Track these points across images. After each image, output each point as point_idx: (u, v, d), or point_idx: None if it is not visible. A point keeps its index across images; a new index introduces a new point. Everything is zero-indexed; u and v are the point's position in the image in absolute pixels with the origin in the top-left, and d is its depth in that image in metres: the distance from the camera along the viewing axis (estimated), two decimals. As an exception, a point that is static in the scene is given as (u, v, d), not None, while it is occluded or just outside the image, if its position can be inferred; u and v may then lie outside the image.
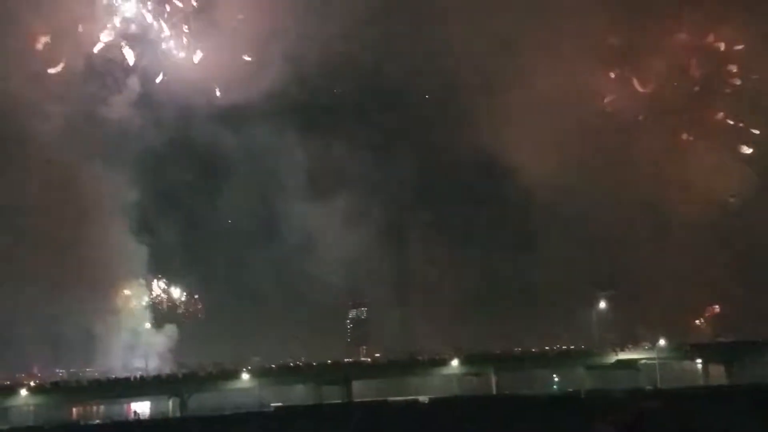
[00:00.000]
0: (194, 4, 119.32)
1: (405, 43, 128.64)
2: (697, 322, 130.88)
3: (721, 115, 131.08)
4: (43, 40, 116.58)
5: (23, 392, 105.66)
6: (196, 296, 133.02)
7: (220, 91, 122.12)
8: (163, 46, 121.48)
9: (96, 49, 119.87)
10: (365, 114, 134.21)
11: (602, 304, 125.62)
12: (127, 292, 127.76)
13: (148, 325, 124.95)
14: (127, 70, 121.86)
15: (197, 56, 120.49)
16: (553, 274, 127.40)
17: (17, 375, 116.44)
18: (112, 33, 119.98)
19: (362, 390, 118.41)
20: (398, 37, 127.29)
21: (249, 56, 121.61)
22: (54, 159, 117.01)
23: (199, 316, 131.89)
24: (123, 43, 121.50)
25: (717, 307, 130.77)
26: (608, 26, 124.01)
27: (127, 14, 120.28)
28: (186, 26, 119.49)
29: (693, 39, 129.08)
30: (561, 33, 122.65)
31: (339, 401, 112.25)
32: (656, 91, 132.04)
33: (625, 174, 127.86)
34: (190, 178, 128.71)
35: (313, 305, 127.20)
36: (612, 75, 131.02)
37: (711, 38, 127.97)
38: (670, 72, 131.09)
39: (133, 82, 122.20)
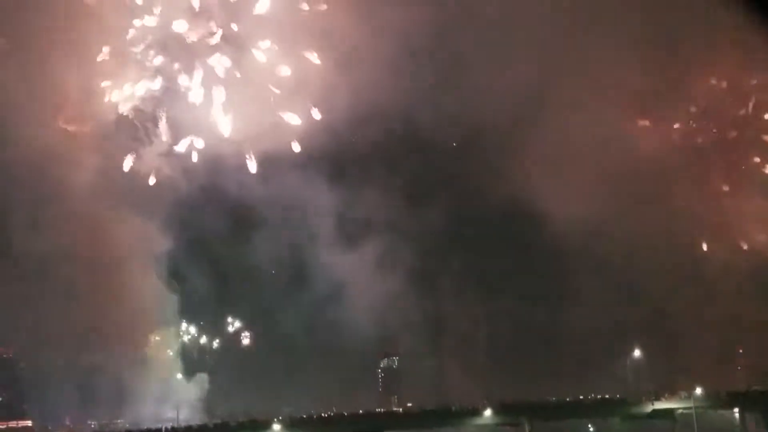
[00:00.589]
0: (227, 64, 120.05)
1: (433, 91, 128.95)
2: (735, 369, 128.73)
3: (757, 161, 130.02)
4: (73, 97, 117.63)
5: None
6: (226, 345, 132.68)
7: (252, 150, 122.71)
8: (193, 105, 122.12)
9: (126, 106, 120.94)
10: (394, 162, 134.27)
11: (637, 352, 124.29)
12: (157, 338, 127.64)
13: (179, 375, 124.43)
14: (157, 123, 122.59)
15: (228, 116, 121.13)
16: (587, 322, 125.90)
17: (50, 427, 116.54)
18: (143, 89, 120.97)
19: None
20: (426, 85, 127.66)
21: (281, 112, 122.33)
22: (85, 210, 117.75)
23: (231, 364, 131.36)
24: (153, 99, 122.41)
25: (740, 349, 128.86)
26: (638, 73, 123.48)
27: (158, 71, 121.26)
28: (219, 86, 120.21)
29: (724, 84, 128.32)
30: (590, 80, 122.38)
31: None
32: (689, 136, 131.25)
33: (659, 221, 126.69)
34: (221, 227, 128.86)
35: (343, 355, 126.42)
36: (644, 122, 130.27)
37: (743, 83, 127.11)
38: (702, 117, 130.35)
39: (164, 134, 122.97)
